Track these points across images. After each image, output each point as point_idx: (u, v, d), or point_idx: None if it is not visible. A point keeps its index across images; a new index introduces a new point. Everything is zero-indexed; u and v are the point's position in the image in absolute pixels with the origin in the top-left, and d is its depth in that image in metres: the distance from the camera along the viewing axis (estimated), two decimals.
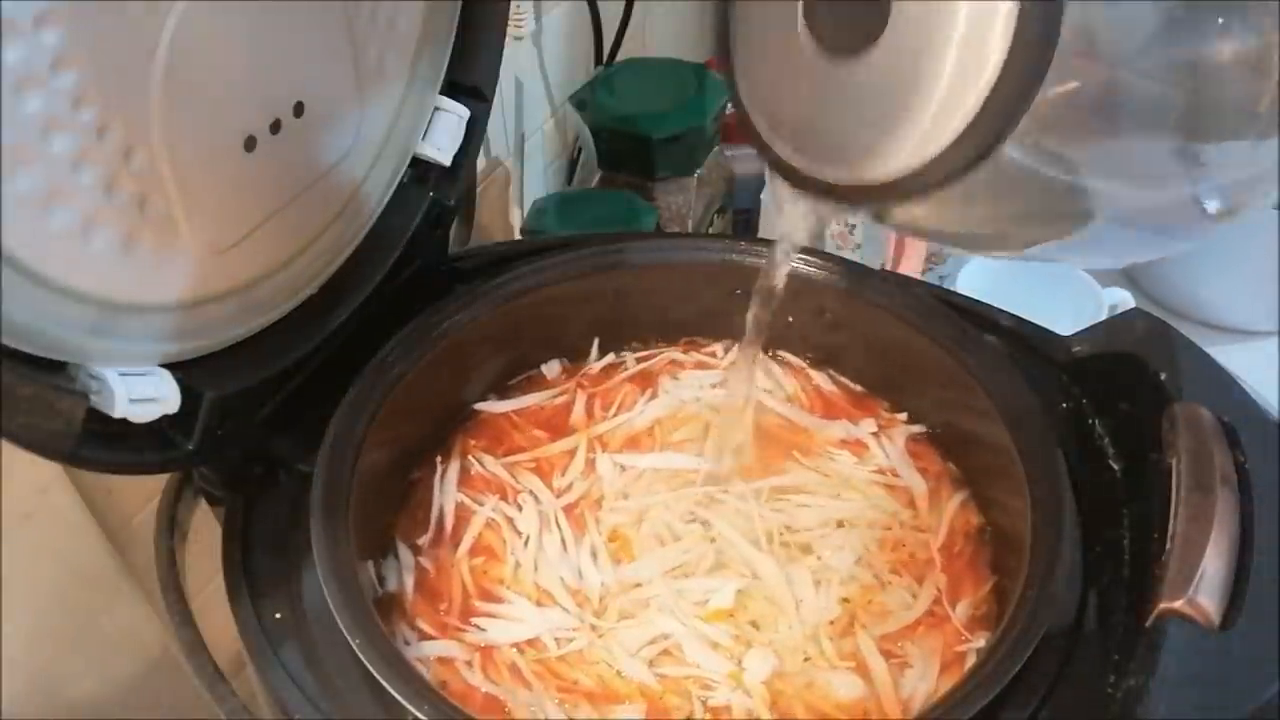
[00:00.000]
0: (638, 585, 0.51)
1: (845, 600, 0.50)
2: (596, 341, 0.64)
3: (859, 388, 0.61)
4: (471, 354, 0.58)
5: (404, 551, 0.53)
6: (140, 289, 0.44)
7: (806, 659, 0.48)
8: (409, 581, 0.52)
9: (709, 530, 0.54)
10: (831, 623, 0.49)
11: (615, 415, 0.60)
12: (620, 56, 0.98)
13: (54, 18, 0.36)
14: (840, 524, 0.54)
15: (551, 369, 0.63)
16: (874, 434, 0.58)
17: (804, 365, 0.63)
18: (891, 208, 0.36)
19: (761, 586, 0.51)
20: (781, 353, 0.63)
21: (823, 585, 0.51)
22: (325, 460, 0.48)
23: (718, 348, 0.64)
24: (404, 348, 0.54)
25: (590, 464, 0.57)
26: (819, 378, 0.62)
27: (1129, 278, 0.98)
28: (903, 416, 0.59)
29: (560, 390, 0.62)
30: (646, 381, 0.62)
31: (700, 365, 0.63)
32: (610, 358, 0.64)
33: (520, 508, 0.55)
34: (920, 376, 0.57)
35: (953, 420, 0.57)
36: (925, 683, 0.47)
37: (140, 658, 0.63)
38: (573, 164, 1.01)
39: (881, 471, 0.57)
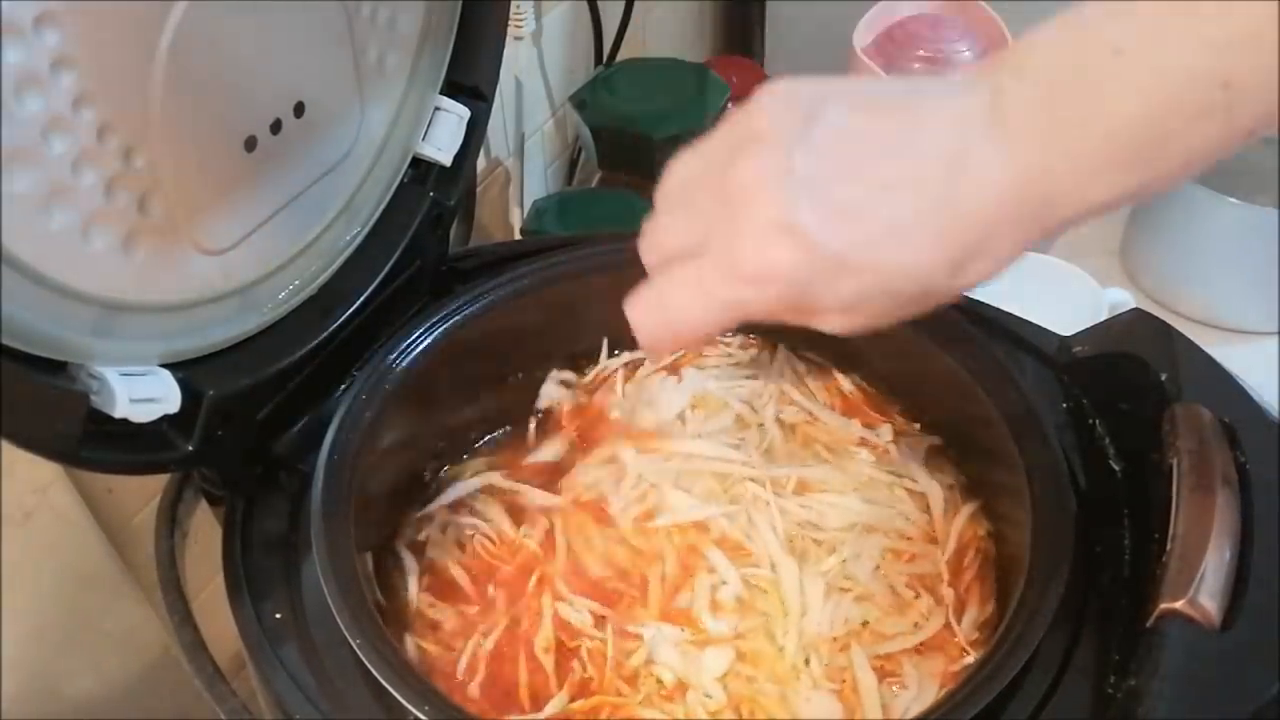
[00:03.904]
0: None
1: (847, 620, 0.49)
2: (605, 341, 0.63)
3: (874, 390, 0.60)
4: (472, 354, 0.58)
5: (406, 555, 0.53)
6: (141, 289, 0.44)
7: (793, 670, 0.47)
8: (412, 583, 0.52)
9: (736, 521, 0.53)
10: (835, 639, 0.48)
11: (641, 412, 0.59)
12: (620, 56, 0.98)
13: (54, 18, 0.36)
14: (863, 528, 0.53)
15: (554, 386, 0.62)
16: (892, 440, 0.57)
17: (828, 364, 0.62)
18: None
19: (775, 585, 0.50)
20: (806, 352, 0.62)
21: (833, 597, 0.50)
22: (325, 460, 0.48)
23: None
24: (404, 348, 0.54)
25: (616, 461, 0.57)
26: (841, 379, 0.61)
27: (1129, 277, 0.98)
28: (918, 426, 0.59)
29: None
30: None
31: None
32: (625, 356, 0.63)
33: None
34: (920, 377, 0.57)
35: (952, 421, 0.56)
36: (919, 705, 0.46)
37: (140, 658, 0.63)
38: (573, 164, 1.01)
39: (899, 476, 0.56)
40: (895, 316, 0.37)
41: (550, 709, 0.46)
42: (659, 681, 0.47)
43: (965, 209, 0.33)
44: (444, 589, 0.52)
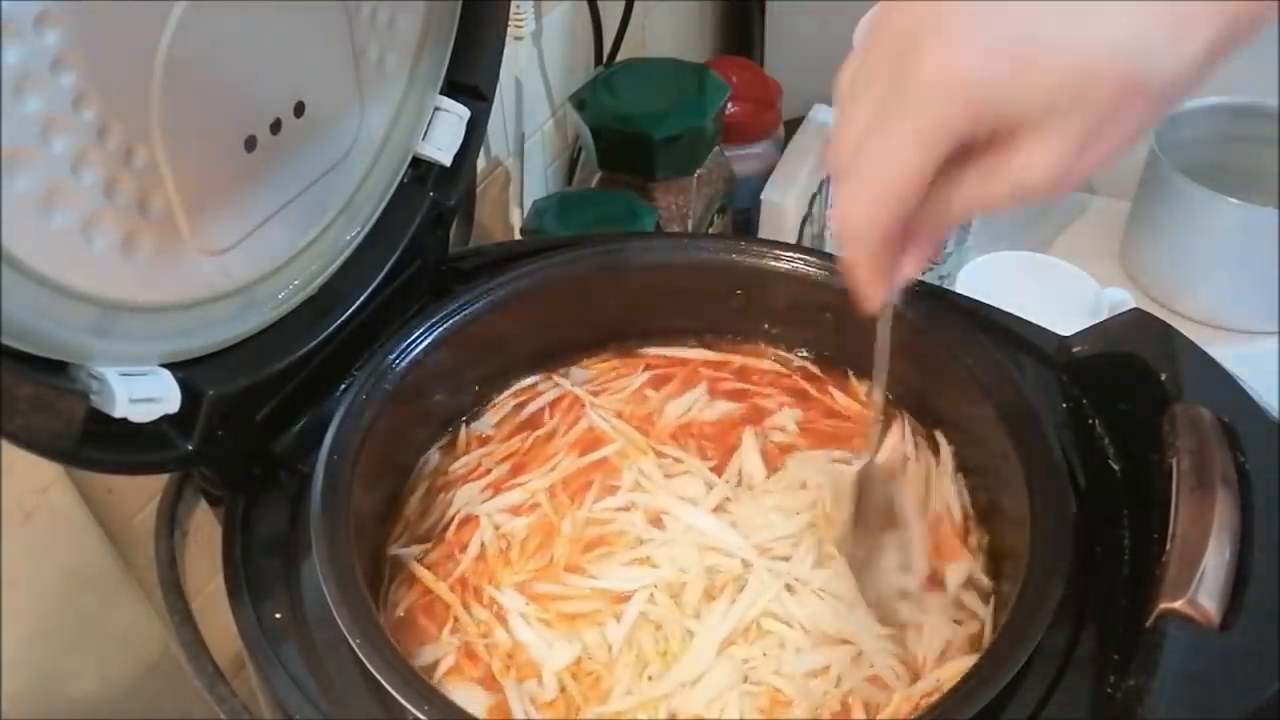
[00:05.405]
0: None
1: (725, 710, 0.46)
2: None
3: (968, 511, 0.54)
4: (471, 354, 0.58)
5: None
6: (140, 289, 0.44)
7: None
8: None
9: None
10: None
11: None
12: (620, 56, 0.98)
13: (54, 18, 0.36)
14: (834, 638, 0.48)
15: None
16: (962, 588, 0.50)
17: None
18: None
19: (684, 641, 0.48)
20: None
21: (738, 689, 0.46)
22: (325, 460, 0.48)
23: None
24: (404, 348, 0.54)
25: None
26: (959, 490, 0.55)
27: (1129, 277, 0.98)
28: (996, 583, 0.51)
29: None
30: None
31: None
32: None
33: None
34: (919, 377, 0.57)
35: (951, 421, 0.56)
36: None
37: (140, 658, 0.63)
38: (573, 164, 1.01)
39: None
40: (1108, 137, 0.32)
41: None
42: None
43: None
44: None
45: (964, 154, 0.34)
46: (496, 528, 0.53)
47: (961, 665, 0.46)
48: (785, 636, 0.48)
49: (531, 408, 0.60)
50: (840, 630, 0.48)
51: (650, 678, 0.47)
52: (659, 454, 0.57)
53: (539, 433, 0.59)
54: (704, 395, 0.61)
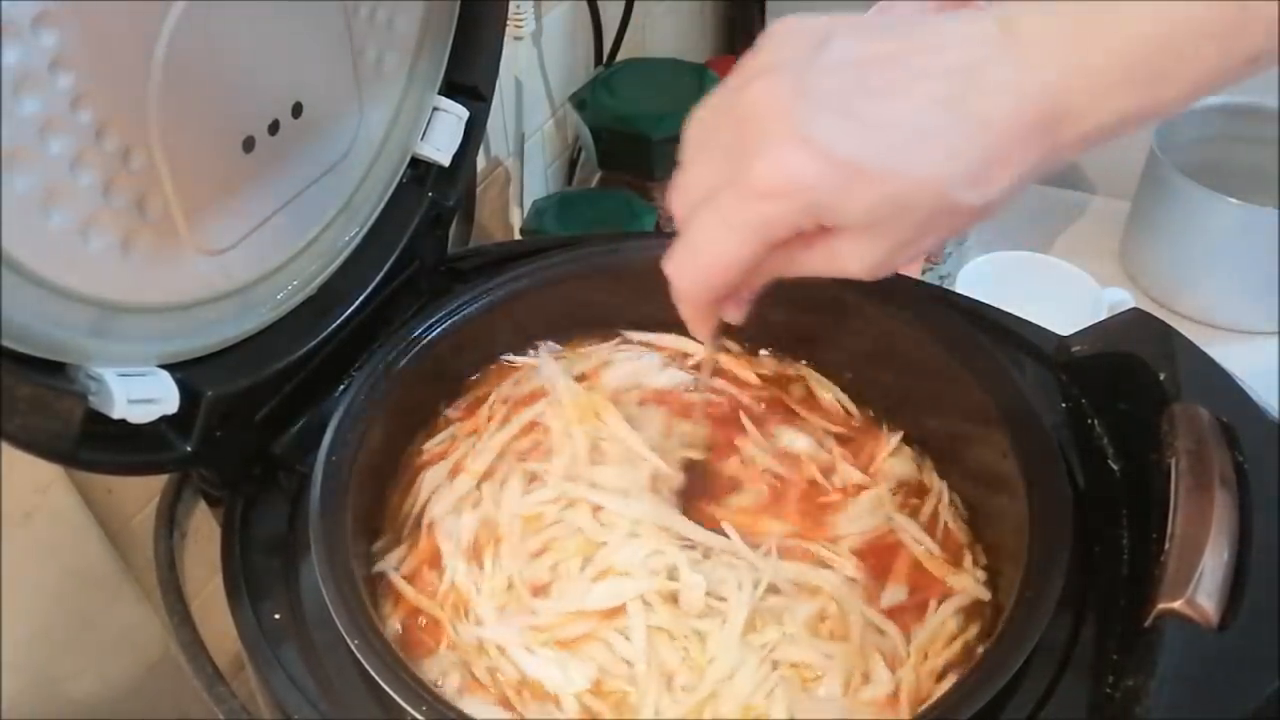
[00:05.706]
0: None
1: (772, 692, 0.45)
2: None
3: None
4: (470, 353, 0.58)
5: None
6: (139, 289, 0.44)
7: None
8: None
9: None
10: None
11: None
12: (620, 56, 0.99)
13: (53, 18, 0.36)
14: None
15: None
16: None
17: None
18: None
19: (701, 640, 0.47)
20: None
21: (765, 670, 0.46)
22: (324, 461, 0.48)
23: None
24: (403, 348, 0.54)
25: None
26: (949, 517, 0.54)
27: (1129, 277, 0.98)
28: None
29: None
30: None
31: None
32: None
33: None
34: (919, 377, 0.57)
35: (950, 420, 0.56)
36: None
37: (140, 658, 0.63)
38: (573, 164, 1.01)
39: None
40: (919, 243, 0.36)
41: None
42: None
43: (979, 121, 0.33)
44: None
45: (793, 232, 0.36)
46: (454, 540, 0.51)
47: (951, 606, 0.48)
48: (777, 606, 0.48)
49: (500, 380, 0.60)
50: (803, 579, 0.49)
51: (683, 688, 0.46)
52: (594, 416, 0.56)
53: (495, 401, 0.58)
54: (656, 363, 0.61)
